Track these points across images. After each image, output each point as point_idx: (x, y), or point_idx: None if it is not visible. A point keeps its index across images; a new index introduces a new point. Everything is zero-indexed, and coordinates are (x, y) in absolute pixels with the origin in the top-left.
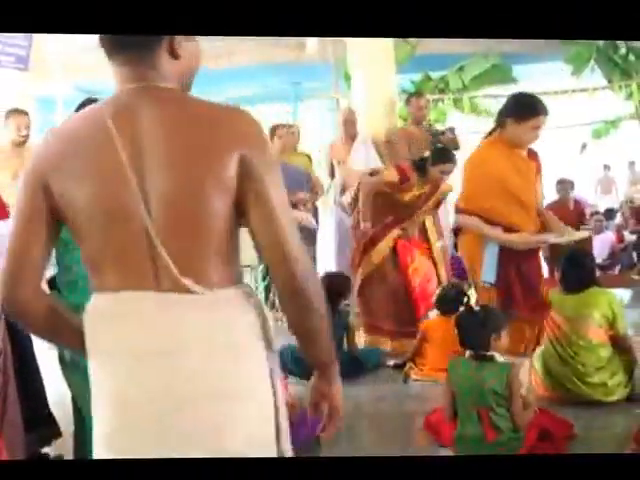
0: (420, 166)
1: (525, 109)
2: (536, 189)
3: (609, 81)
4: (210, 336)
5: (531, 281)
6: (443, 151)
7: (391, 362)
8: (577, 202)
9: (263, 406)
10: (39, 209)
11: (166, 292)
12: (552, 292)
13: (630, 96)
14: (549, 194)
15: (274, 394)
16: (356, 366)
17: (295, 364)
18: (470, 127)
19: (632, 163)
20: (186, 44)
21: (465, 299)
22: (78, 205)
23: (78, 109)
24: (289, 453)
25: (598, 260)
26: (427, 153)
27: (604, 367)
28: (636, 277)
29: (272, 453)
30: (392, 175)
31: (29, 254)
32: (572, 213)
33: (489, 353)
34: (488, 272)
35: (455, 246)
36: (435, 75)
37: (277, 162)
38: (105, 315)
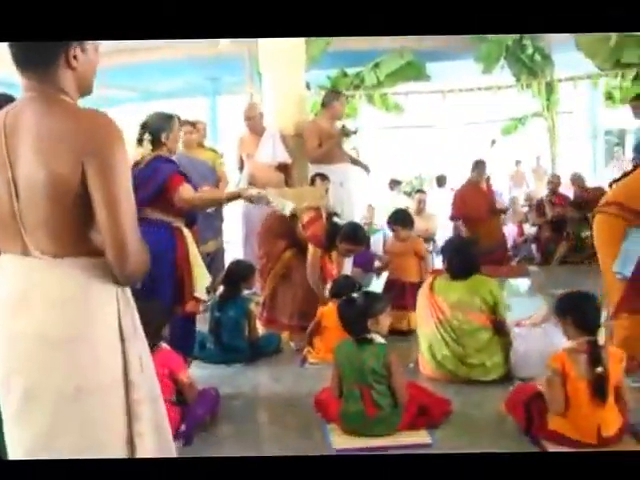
0: (332, 233)
1: None
2: None
3: (517, 79)
4: (55, 296)
5: None
6: (356, 232)
7: (292, 343)
8: (488, 182)
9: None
10: None
11: (28, 257)
12: (438, 279)
13: (538, 94)
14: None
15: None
16: (256, 351)
17: (200, 350)
18: (380, 123)
19: (538, 158)
20: (81, 55)
21: (356, 288)
22: None
23: None
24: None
25: None
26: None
27: (484, 349)
28: (534, 268)
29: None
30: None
31: None
32: (486, 193)
33: (369, 336)
34: (624, 264)
35: None
36: (351, 71)
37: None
38: None
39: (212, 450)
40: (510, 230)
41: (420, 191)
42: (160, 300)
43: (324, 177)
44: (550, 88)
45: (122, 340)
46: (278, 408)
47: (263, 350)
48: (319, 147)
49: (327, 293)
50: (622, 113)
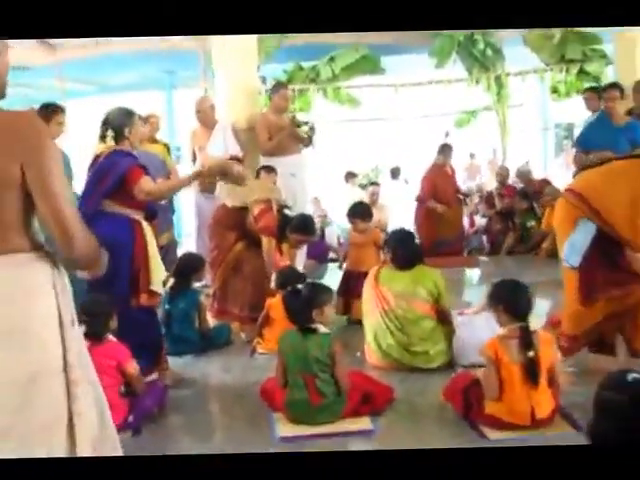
0: (283, 225)
1: None
2: None
3: (469, 73)
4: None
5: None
6: (305, 223)
7: (243, 335)
8: (452, 167)
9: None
10: None
11: None
12: (383, 270)
13: (488, 88)
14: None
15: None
16: (207, 342)
17: None
18: (335, 116)
19: (494, 150)
20: None
21: (301, 279)
22: None
23: None
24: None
25: None
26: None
27: (427, 337)
28: (484, 259)
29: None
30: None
31: None
32: (451, 177)
33: (313, 325)
34: (570, 253)
35: None
36: (306, 65)
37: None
38: None
39: (161, 441)
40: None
41: (374, 184)
42: (111, 293)
43: (270, 169)
44: (500, 82)
45: (61, 327)
46: (227, 398)
47: (214, 341)
48: (269, 140)
49: (272, 284)
50: (569, 106)
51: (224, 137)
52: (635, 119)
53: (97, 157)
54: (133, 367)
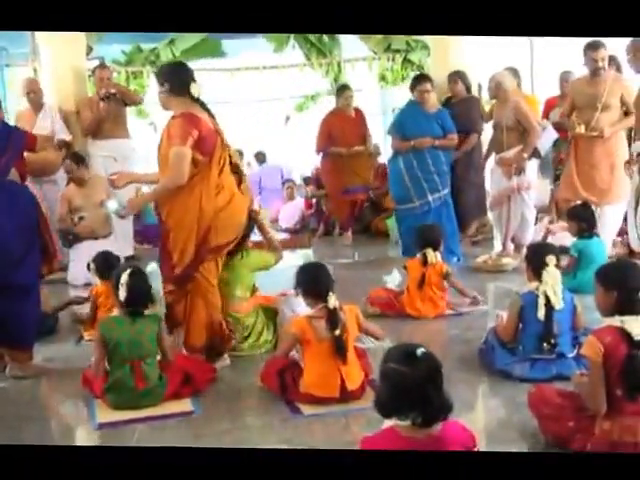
0: None
1: None
2: None
3: (308, 59)
4: None
5: None
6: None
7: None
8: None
9: None
10: None
11: None
12: None
13: (326, 74)
14: None
15: None
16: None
17: None
18: None
19: None
20: None
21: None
22: None
23: None
24: None
25: (290, 224)
26: None
27: (250, 334)
28: (316, 239)
29: None
30: None
31: None
32: (355, 120)
33: (142, 309)
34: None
35: None
36: (146, 47)
37: None
38: None
39: None
40: (297, 204)
41: None
42: None
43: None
44: (339, 68)
45: None
46: (51, 387)
47: (39, 328)
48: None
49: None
50: (398, 93)
51: (52, 120)
52: (445, 108)
53: None
54: None
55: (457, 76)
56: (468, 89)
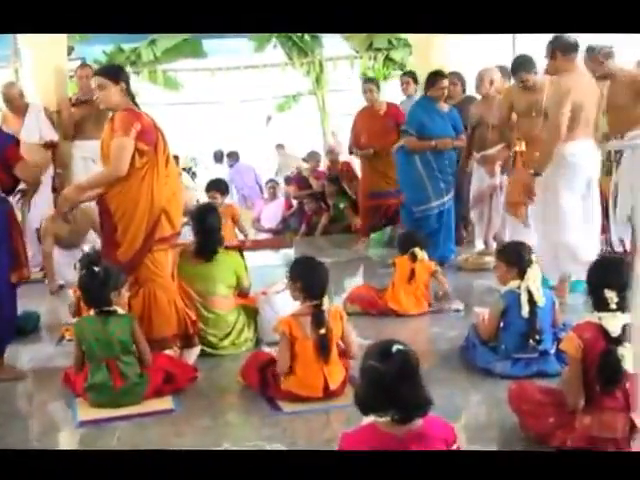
0: None
1: None
2: None
3: (289, 58)
4: None
5: None
6: None
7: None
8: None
9: None
10: None
11: None
12: (182, 263)
13: (308, 73)
14: None
15: None
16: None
17: None
18: (156, 99)
19: (332, 133)
20: None
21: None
22: None
23: None
24: None
25: (272, 224)
26: None
27: (231, 331)
28: (297, 239)
29: None
30: None
31: None
32: (382, 117)
33: (112, 308)
34: None
35: None
36: (127, 47)
37: None
38: None
39: None
40: (279, 203)
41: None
42: None
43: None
44: (321, 67)
45: None
46: (33, 386)
47: (21, 328)
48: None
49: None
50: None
51: (38, 122)
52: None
53: None
54: None
55: (456, 77)
56: (464, 89)
